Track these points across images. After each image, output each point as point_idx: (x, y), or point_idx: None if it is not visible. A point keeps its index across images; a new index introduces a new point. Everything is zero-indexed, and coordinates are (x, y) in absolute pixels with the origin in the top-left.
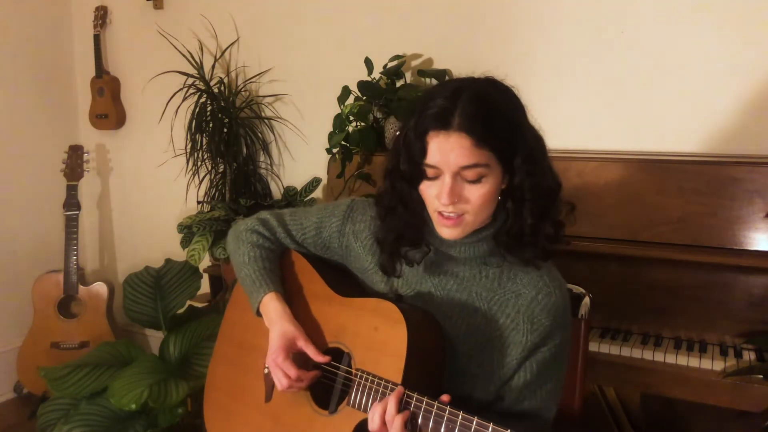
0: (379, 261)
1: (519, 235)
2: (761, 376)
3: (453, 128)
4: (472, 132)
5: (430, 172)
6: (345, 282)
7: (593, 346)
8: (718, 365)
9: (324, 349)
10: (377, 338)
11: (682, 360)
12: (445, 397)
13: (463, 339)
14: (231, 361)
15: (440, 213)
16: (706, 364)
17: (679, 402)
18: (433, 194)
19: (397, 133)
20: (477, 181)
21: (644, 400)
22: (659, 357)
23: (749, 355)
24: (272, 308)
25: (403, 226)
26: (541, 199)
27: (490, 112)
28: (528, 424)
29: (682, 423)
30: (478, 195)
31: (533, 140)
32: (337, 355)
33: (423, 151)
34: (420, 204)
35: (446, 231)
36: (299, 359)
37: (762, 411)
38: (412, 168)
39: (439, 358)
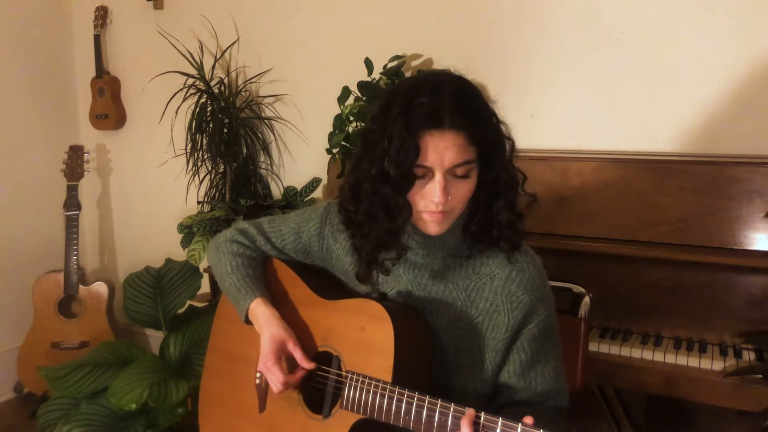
0: (355, 269)
1: (489, 228)
2: (761, 376)
3: (446, 126)
4: (464, 128)
5: (419, 171)
6: (328, 285)
7: (593, 346)
8: (718, 365)
9: (313, 354)
10: (365, 338)
11: (682, 360)
12: (528, 419)
13: (447, 331)
14: (222, 374)
15: (428, 210)
16: (705, 364)
17: (679, 402)
18: (420, 193)
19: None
20: (465, 176)
21: (645, 399)
22: (659, 357)
23: (749, 355)
24: (261, 313)
25: (384, 233)
26: (513, 193)
27: (474, 107)
28: (554, 408)
29: (681, 423)
30: (465, 190)
31: (504, 134)
32: (327, 358)
33: (417, 153)
34: (400, 209)
35: (434, 227)
36: (291, 361)
37: (762, 411)
38: (401, 171)
39: (427, 352)
